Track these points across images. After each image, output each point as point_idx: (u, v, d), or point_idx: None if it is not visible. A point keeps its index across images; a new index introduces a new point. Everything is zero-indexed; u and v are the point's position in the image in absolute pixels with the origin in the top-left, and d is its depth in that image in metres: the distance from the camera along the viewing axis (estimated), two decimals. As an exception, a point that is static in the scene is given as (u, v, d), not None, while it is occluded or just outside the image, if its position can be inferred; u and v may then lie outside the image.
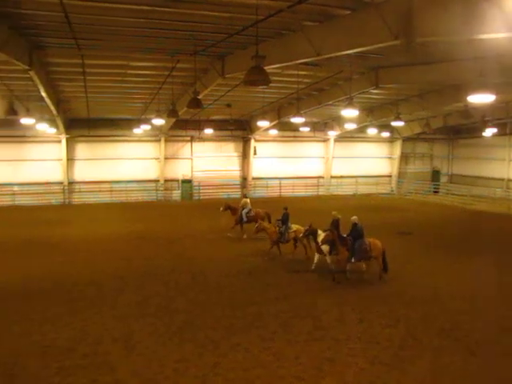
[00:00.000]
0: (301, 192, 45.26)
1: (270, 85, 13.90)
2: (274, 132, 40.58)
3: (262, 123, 33.13)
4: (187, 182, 43.46)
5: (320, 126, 44.22)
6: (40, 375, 8.70)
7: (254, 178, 44.74)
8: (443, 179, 50.35)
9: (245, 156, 44.71)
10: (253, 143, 43.61)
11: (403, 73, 22.25)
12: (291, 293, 13.80)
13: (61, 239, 22.12)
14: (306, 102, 30.82)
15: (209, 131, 39.26)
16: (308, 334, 10.66)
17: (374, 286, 14.70)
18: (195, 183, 43.63)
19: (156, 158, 42.33)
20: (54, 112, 31.03)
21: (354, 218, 15.56)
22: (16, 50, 17.40)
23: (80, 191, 40.73)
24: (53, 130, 35.48)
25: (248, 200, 24.00)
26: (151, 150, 42.34)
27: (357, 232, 15.21)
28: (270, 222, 21.28)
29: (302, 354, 9.54)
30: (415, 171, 49.68)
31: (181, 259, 18.30)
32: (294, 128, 39.00)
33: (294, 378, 8.59)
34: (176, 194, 43.12)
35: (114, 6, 13.94)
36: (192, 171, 43.61)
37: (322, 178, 47.05)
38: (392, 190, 48.37)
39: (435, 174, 50.29)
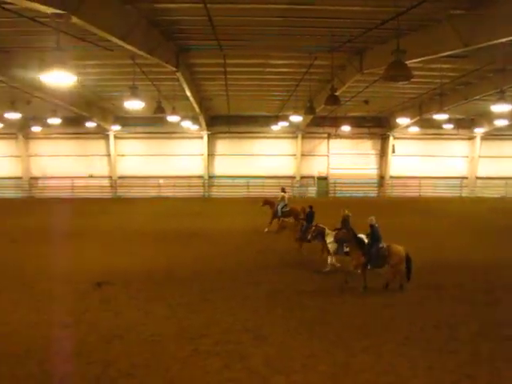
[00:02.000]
0: (442, 193, 42.70)
1: (411, 80, 13.21)
2: (414, 129, 38.77)
3: (402, 120, 31.93)
4: (323, 179, 43.33)
5: (465, 123, 41.12)
6: (177, 356, 9.18)
7: (391, 177, 43.21)
8: None
9: (382, 154, 43.39)
10: (391, 141, 42.15)
11: None
12: (427, 298, 13.01)
13: (201, 230, 23.27)
14: (450, 98, 28.89)
15: (346, 128, 38.69)
16: (444, 343, 9.94)
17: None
18: (331, 180, 43.33)
19: (292, 155, 42.83)
20: (197, 110, 32.94)
21: (371, 218, 13.65)
22: (165, 54, 18.76)
23: (219, 185, 42.67)
24: (196, 127, 37.76)
25: (286, 195, 23.32)
26: (288, 146, 42.93)
27: (375, 234, 13.45)
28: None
29: (436, 365, 8.92)
30: None
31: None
32: (437, 125, 36.86)
33: (429, 391, 8.05)
34: (311, 191, 43.23)
35: (253, 6, 14.29)
36: (328, 168, 43.40)
37: (466, 178, 43.88)
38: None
39: None
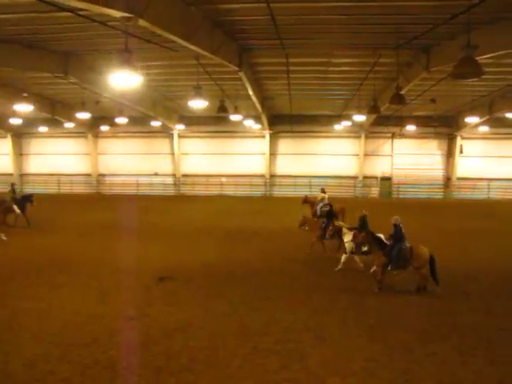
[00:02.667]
0: (513, 196, 40.73)
1: (482, 77, 12.66)
2: (483, 129, 37.15)
3: (471, 119, 30.66)
4: (386, 180, 42.40)
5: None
6: (236, 353, 9.26)
7: (458, 179, 41.63)
8: None
9: (449, 155, 41.87)
10: (459, 141, 40.62)
11: None
12: (497, 307, 12.42)
13: (262, 229, 23.37)
14: (524, 95, 27.52)
15: (411, 128, 37.60)
16: (514, 356, 9.42)
17: None
18: (394, 181, 42.33)
19: (355, 155, 42.21)
20: (260, 109, 33.12)
21: (396, 217, 13.21)
22: (228, 54, 19.00)
23: (280, 184, 42.71)
24: (258, 126, 37.94)
25: (325, 195, 23.35)
26: (351, 146, 42.36)
27: (397, 234, 12.97)
28: (343, 218, 20.95)
29: (506, 380, 8.48)
30: None
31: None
32: (509, 124, 35.14)
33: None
34: (374, 192, 42.43)
35: (317, 4, 14.20)
36: (392, 169, 42.42)
37: (541, 179, 41.58)
38: None
39: None
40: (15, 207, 21.73)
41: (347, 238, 15.22)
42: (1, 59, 19.65)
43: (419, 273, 13.02)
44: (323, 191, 24.55)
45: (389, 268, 13.13)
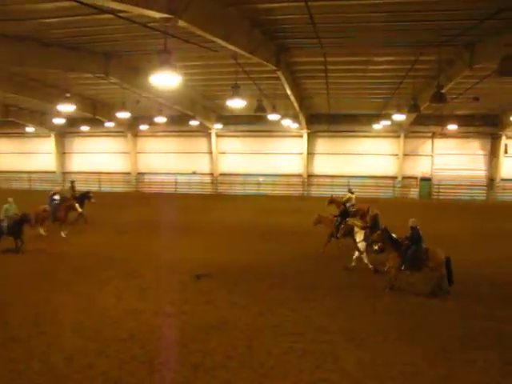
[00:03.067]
0: None
1: (528, 73, 12.25)
2: (530, 128, 35.93)
3: (517, 118, 29.60)
4: (426, 180, 41.52)
5: None
6: (271, 352, 9.27)
7: (502, 180, 40.35)
8: None
9: (493, 155, 40.60)
10: (503, 140, 39.30)
11: None
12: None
13: (299, 228, 23.19)
14: None
15: (452, 127, 36.63)
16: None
17: None
18: (435, 182, 41.41)
19: (394, 155, 41.49)
20: (297, 108, 33.01)
21: (413, 220, 13.35)
22: (266, 53, 19.01)
23: (318, 184, 42.44)
24: (296, 126, 37.79)
25: (353, 195, 23.96)
26: (390, 146, 41.67)
27: (414, 236, 13.08)
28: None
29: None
30: None
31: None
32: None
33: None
34: (414, 192, 41.63)
35: (355, 2, 14.05)
36: (432, 169, 41.50)
37: None
38: None
39: None
40: (77, 205, 21.98)
41: (359, 237, 15.43)
42: (45, 61, 20.28)
43: (435, 274, 13.06)
44: (351, 191, 24.96)
45: (402, 268, 13.21)
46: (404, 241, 13.36)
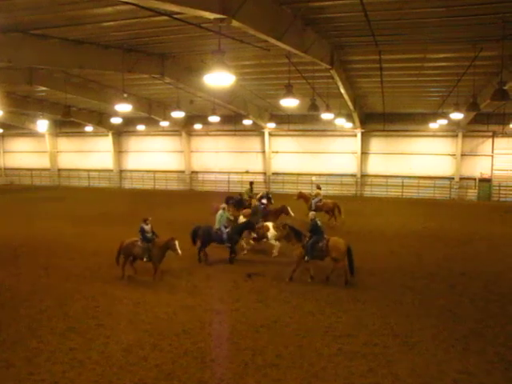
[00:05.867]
0: None
1: None
2: None
3: None
4: (486, 181, 39.96)
5: None
6: (322, 352, 9.21)
7: None
8: None
9: (558, 154, 38.65)
10: None
11: None
12: None
13: (352, 229, 22.96)
14: None
15: (515, 126, 35.16)
16: None
17: None
18: (495, 183, 39.78)
19: (452, 155, 40.19)
20: (351, 107, 32.57)
21: (312, 213, 15.03)
22: (319, 52, 18.88)
23: (371, 184, 41.77)
24: (349, 125, 37.36)
25: (320, 191, 25.53)
26: (446, 145, 40.37)
27: (313, 228, 14.15)
28: (339, 213, 23.84)
29: None
30: None
31: (472, 263, 16.93)
32: None
33: None
34: (472, 194, 40.17)
35: (412, -3, 13.66)
36: (492, 170, 39.89)
37: None
38: None
39: None
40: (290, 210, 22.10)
41: (270, 234, 17.09)
42: (104, 63, 21.00)
43: (337, 264, 13.84)
44: (319, 187, 26.47)
45: (305, 259, 14.03)
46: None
